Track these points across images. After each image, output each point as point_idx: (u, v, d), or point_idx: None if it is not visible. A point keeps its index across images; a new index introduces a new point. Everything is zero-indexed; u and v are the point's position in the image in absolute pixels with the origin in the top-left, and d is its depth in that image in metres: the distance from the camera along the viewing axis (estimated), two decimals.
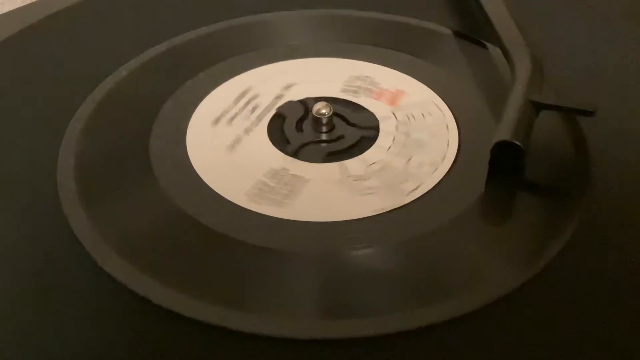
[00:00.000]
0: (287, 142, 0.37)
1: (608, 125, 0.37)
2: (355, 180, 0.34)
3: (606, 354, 0.27)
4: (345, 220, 0.32)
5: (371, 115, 0.38)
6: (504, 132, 0.33)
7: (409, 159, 0.36)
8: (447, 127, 0.37)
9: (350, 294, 0.29)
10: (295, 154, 0.36)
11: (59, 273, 0.30)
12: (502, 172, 0.34)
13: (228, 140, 0.37)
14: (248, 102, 0.39)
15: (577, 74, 0.41)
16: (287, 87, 0.40)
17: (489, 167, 0.34)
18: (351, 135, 0.37)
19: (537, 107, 0.35)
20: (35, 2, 0.47)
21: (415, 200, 0.33)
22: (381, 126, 0.38)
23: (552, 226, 0.32)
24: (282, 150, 0.36)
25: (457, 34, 0.44)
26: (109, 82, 0.40)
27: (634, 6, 0.46)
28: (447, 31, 0.45)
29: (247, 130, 0.37)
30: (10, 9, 0.47)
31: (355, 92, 0.40)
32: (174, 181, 0.34)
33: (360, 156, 0.36)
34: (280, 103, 0.39)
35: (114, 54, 0.42)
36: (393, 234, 0.32)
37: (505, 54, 0.39)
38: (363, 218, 0.32)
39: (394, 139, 0.37)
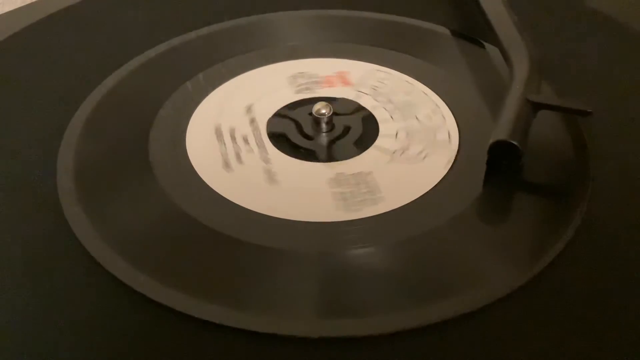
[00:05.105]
0: (312, 151, 0.37)
1: (607, 125, 0.37)
2: (403, 153, 0.35)
3: (606, 353, 0.27)
4: (346, 221, 0.32)
5: (348, 101, 0.39)
6: (501, 131, 0.33)
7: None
8: (448, 125, 0.38)
9: (350, 293, 0.29)
10: (330, 158, 0.36)
11: (58, 272, 0.30)
12: (500, 172, 0.34)
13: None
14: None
15: (576, 74, 0.41)
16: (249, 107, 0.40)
17: (486, 166, 0.34)
18: (355, 122, 0.38)
19: (535, 106, 0.35)
20: (35, 2, 0.47)
21: (414, 200, 0.33)
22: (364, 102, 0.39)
23: (552, 226, 0.32)
24: (315, 160, 0.36)
25: (456, 34, 0.44)
26: (108, 82, 0.40)
27: (632, 6, 0.46)
28: (447, 31, 0.45)
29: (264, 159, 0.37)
30: (10, 9, 0.47)
31: (306, 89, 0.40)
32: (174, 180, 0.34)
33: (381, 134, 0.37)
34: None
35: (114, 54, 0.42)
36: (393, 233, 0.32)
37: (504, 53, 0.39)
38: (363, 218, 0.32)
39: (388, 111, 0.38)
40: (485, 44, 0.43)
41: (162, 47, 0.43)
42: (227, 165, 0.35)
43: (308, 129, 0.38)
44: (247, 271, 0.30)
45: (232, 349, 0.27)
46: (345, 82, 0.40)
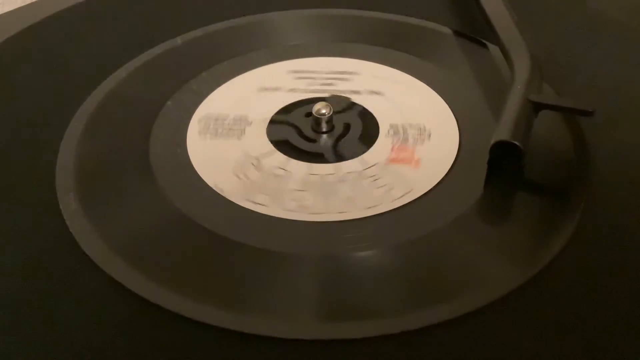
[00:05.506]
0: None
1: (607, 125, 0.37)
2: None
3: (606, 353, 0.27)
4: (345, 221, 0.32)
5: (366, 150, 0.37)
6: (502, 132, 0.33)
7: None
8: (448, 125, 0.37)
9: (350, 295, 0.29)
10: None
11: (57, 273, 0.30)
12: (501, 172, 0.34)
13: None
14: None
15: (577, 74, 0.41)
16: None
17: (488, 167, 0.34)
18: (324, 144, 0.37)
19: (536, 107, 0.35)
20: (35, 2, 0.47)
21: (414, 200, 0.33)
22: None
23: (552, 226, 0.32)
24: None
25: (457, 34, 0.44)
26: (109, 82, 0.40)
27: (632, 6, 0.46)
28: (447, 31, 0.45)
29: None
30: (11, 9, 0.47)
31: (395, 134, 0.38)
32: (174, 182, 0.34)
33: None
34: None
35: (114, 54, 0.42)
36: (393, 235, 0.32)
37: (505, 53, 0.39)
38: (363, 218, 0.32)
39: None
40: (487, 43, 0.43)
41: (162, 47, 0.43)
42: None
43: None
44: (247, 273, 0.30)
45: (232, 352, 0.27)
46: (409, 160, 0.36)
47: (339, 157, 0.36)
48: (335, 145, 0.37)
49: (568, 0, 0.47)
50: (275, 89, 0.40)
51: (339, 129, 0.37)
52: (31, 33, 0.44)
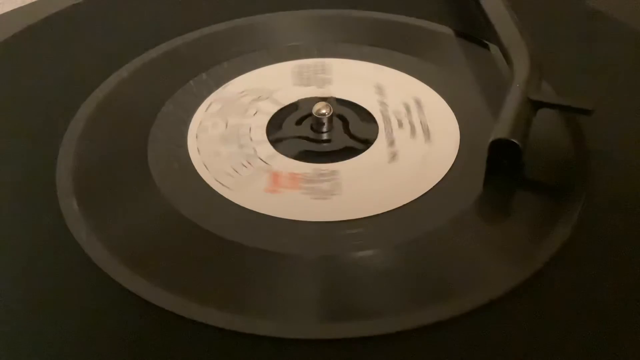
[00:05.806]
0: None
1: (607, 124, 0.37)
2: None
3: (606, 353, 0.27)
4: (345, 221, 0.32)
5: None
6: (501, 130, 0.33)
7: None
8: (448, 125, 0.37)
9: (350, 295, 0.29)
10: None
11: (57, 275, 0.30)
12: (500, 171, 0.34)
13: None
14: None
15: (577, 73, 0.41)
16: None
17: (486, 165, 0.34)
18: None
19: (535, 105, 0.35)
20: (35, 2, 0.47)
21: (414, 200, 0.33)
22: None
23: (552, 225, 0.32)
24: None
25: (457, 34, 0.44)
26: (109, 83, 0.40)
27: (632, 6, 0.46)
28: (447, 31, 0.45)
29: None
30: (11, 9, 0.47)
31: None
32: (174, 183, 0.34)
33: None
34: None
35: (113, 55, 0.42)
36: (393, 234, 0.32)
37: (504, 53, 0.39)
38: (363, 218, 0.32)
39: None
40: (487, 43, 0.43)
41: (162, 48, 0.43)
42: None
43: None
44: (247, 274, 0.30)
45: (232, 353, 0.27)
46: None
47: (276, 141, 0.37)
48: (295, 137, 0.37)
49: (568, 0, 0.47)
50: (378, 87, 0.40)
51: (323, 135, 0.37)
52: (31, 33, 0.44)
